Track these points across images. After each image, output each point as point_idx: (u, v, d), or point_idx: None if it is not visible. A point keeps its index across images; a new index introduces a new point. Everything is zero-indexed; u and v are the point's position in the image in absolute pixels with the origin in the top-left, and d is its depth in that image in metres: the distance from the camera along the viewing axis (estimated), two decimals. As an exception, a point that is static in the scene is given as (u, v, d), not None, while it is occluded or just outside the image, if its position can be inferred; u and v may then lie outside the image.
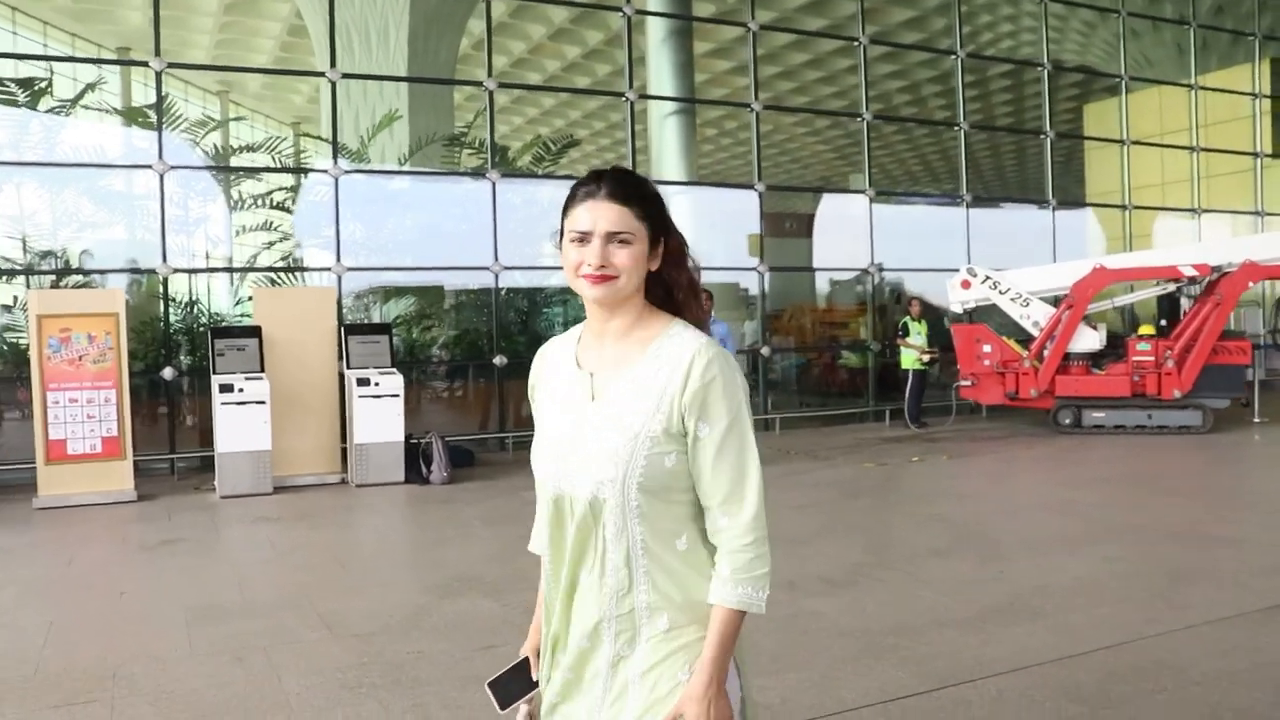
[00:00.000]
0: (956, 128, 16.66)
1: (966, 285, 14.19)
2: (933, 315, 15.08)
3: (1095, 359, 13.60)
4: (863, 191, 15.77)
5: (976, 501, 9.14)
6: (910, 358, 14.50)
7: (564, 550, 2.01)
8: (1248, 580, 6.32)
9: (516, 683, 2.20)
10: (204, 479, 10.58)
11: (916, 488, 9.99)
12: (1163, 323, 14.19)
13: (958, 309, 14.46)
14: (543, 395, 2.10)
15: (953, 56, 16.68)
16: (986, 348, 13.73)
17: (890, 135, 20.32)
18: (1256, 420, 14.00)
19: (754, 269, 15.06)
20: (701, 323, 2.04)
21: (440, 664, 4.87)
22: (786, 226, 17.24)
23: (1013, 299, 14.03)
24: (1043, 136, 17.58)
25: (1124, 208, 18.40)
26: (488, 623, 5.60)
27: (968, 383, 13.98)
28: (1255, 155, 19.87)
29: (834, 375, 17.14)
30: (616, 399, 1.95)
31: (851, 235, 15.79)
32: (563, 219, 2.00)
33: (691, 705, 1.87)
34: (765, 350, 15.16)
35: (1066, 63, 18.57)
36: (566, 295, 15.23)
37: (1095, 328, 13.64)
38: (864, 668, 4.77)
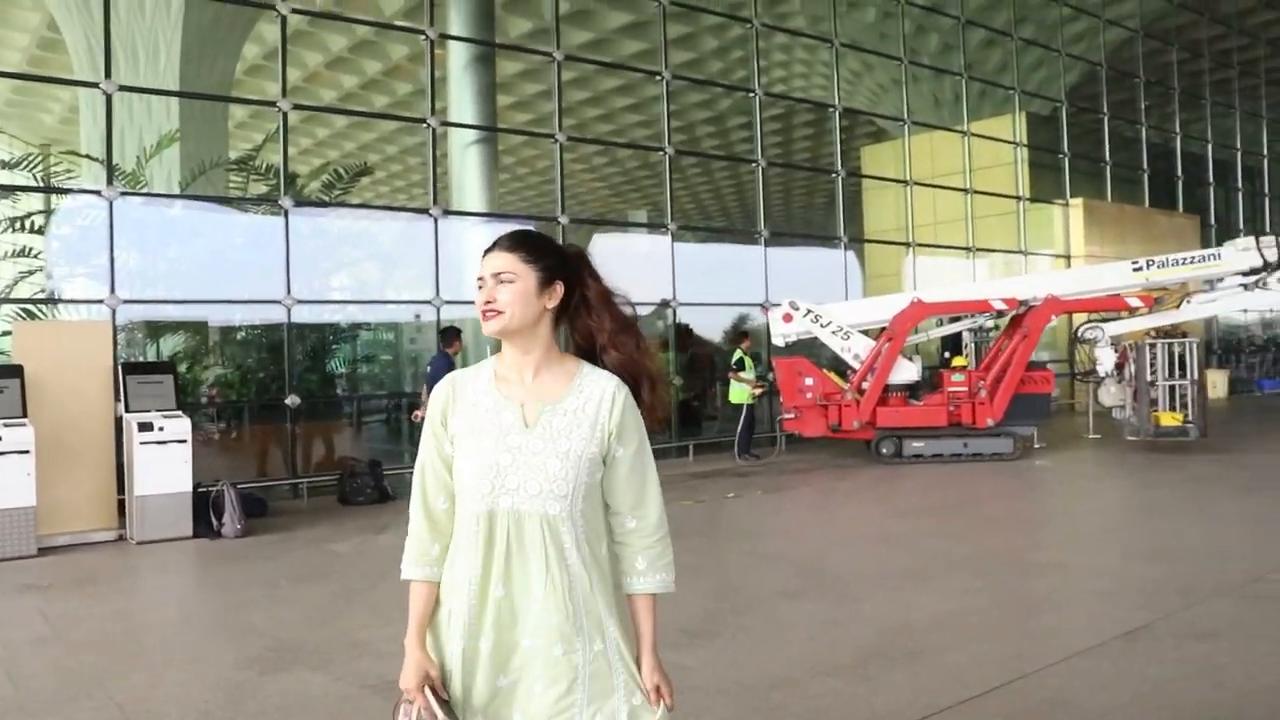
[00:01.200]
0: (755, 164, 16.82)
1: (788, 319, 14.30)
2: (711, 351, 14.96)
3: (912, 390, 13.92)
4: (664, 226, 15.65)
5: (806, 537, 9.02)
6: (743, 392, 14.47)
7: (495, 566, 2.24)
8: (1091, 606, 6.40)
9: (445, 708, 2.27)
10: (-50, 541, 9.19)
11: (742, 525, 9.78)
12: (945, 354, 14.68)
13: (780, 341, 14.54)
14: (461, 426, 2.30)
15: (750, 94, 16.85)
16: (808, 380, 13.85)
17: (691, 170, 20.39)
18: (1037, 446, 14.62)
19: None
20: (635, 359, 2.37)
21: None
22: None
23: (834, 332, 14.24)
24: (835, 175, 18.04)
25: (908, 245, 19.11)
26: (323, 703, 4.90)
27: (790, 415, 14.03)
28: (1018, 199, 21.15)
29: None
30: (552, 427, 2.25)
31: (651, 268, 15.63)
32: None
33: (655, 675, 2.31)
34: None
35: (850, 105, 19.11)
36: (357, 331, 14.45)
37: (911, 359, 14.04)
38: (756, 730, 4.39)
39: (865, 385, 13.76)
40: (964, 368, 13.90)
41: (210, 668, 5.48)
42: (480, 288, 2.29)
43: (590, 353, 2.37)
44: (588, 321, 2.35)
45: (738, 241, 18.42)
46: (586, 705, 2.25)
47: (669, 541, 2.36)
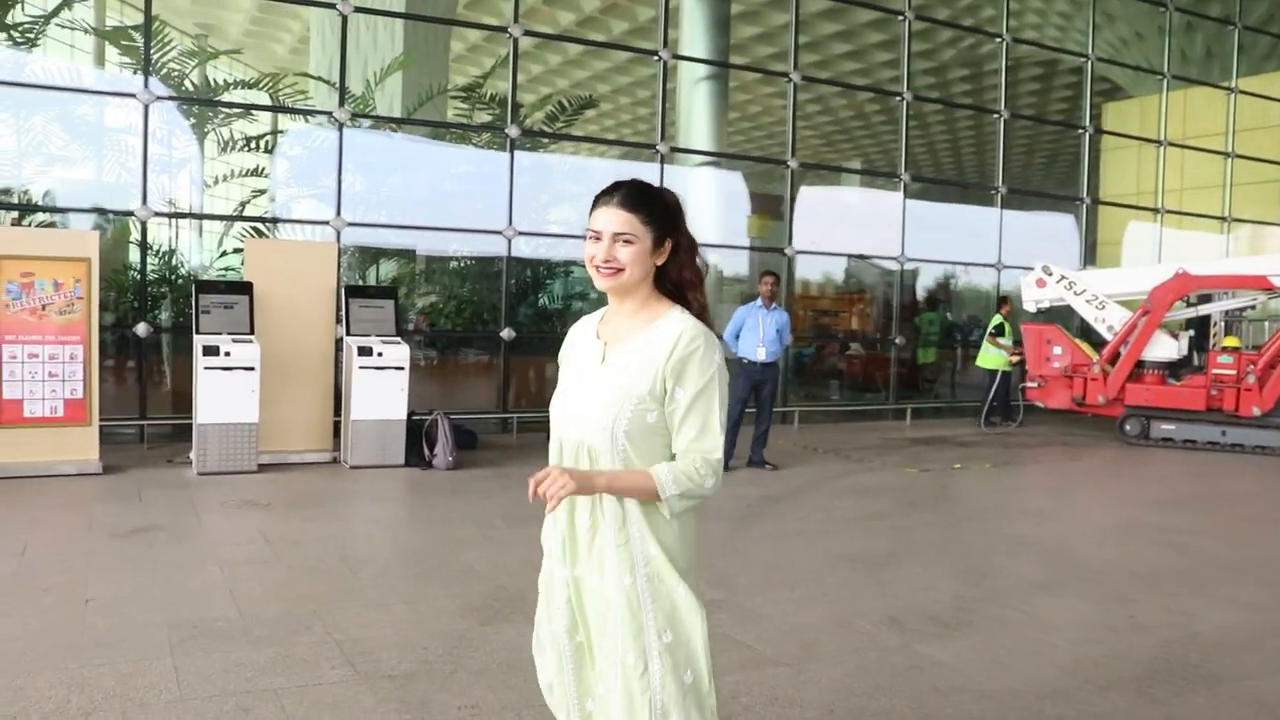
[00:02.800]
0: (996, 115, 15.64)
1: (1041, 284, 13.58)
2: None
3: (1173, 369, 12.78)
4: (897, 176, 14.74)
5: (1049, 521, 8.16)
6: (999, 358, 14.00)
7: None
8: None
9: None
10: (178, 450, 9.40)
11: (976, 501, 9.00)
12: (1190, 333, 13.32)
13: (1031, 308, 13.84)
14: (568, 361, 2.48)
15: (997, 39, 15.62)
16: (1057, 349, 13.16)
17: (928, 118, 19.13)
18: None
19: (781, 250, 14.03)
20: (704, 309, 2.39)
21: (505, 726, 3.80)
22: (779, 209, 16.18)
23: (1088, 301, 13.35)
24: (1081, 132, 16.65)
25: (1156, 210, 17.53)
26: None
27: (1034, 384, 13.40)
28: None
29: (854, 369, 16.11)
30: (618, 363, 2.33)
31: (884, 223, 14.79)
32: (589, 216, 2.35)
33: (579, 473, 2.22)
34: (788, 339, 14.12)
35: (1099, 57, 17.52)
36: (570, 268, 14.18)
37: (1176, 336, 12.81)
38: (1041, 753, 3.76)
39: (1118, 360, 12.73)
40: (1235, 349, 12.49)
41: (429, 611, 5.21)
42: (594, 239, 2.32)
43: (675, 297, 2.40)
44: (678, 269, 2.38)
45: (970, 199, 17.21)
46: (629, 641, 2.30)
47: (704, 491, 2.29)
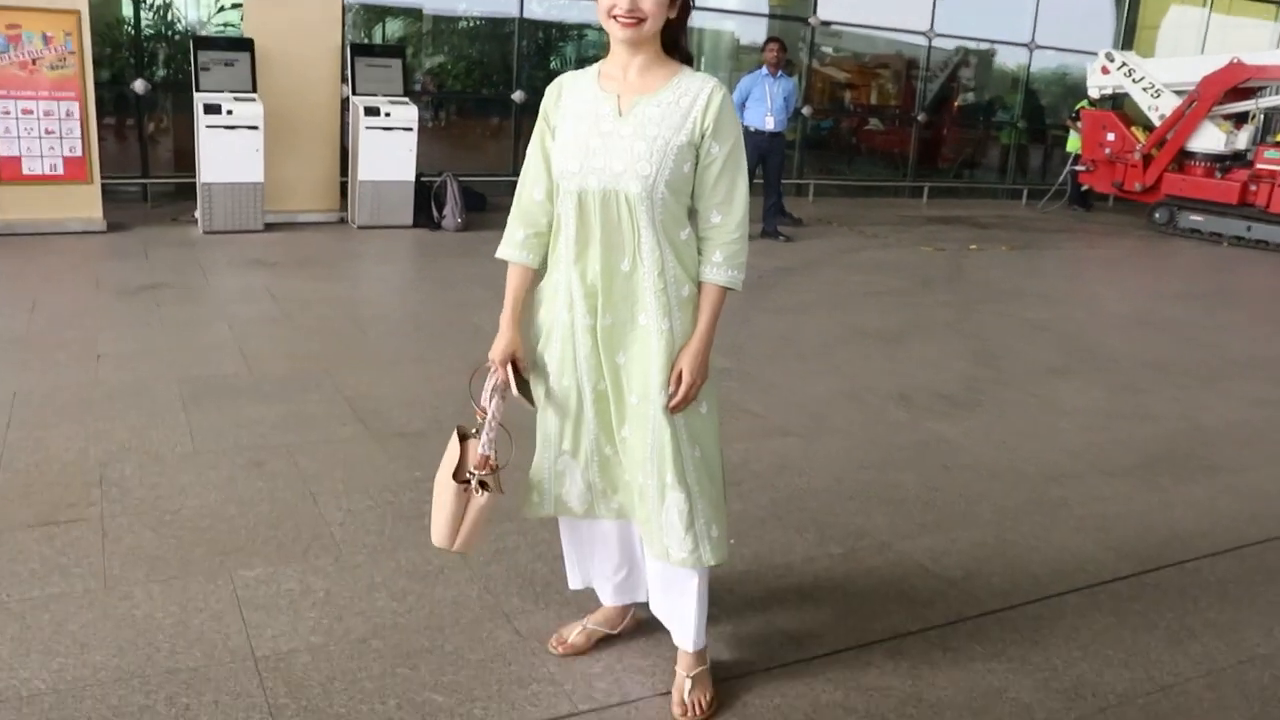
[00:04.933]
0: None
1: (1105, 71, 13.32)
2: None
3: (1224, 163, 12.44)
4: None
5: (1066, 306, 8.09)
6: (1076, 141, 14.04)
7: (585, 246, 2.37)
8: None
9: (520, 383, 2.52)
10: (181, 209, 9.26)
11: (992, 283, 8.90)
12: (1253, 127, 12.90)
13: (1095, 94, 13.70)
14: (565, 113, 2.41)
15: None
16: (1110, 135, 13.10)
17: None
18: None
19: (804, 20, 13.41)
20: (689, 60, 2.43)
21: (515, 485, 3.83)
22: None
23: (1145, 88, 13.03)
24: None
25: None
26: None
27: (1086, 168, 13.54)
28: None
29: (873, 143, 15.70)
30: (645, 115, 2.31)
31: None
32: None
33: (688, 359, 2.36)
34: (806, 110, 13.70)
35: None
36: (585, 31, 13.58)
37: (1235, 130, 12.41)
38: (1041, 528, 3.82)
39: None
40: None
41: (437, 370, 5.23)
42: None
43: (671, 52, 2.41)
44: (679, 27, 2.39)
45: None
46: (662, 380, 2.37)
47: (747, 244, 2.41)
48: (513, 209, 2.52)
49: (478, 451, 2.52)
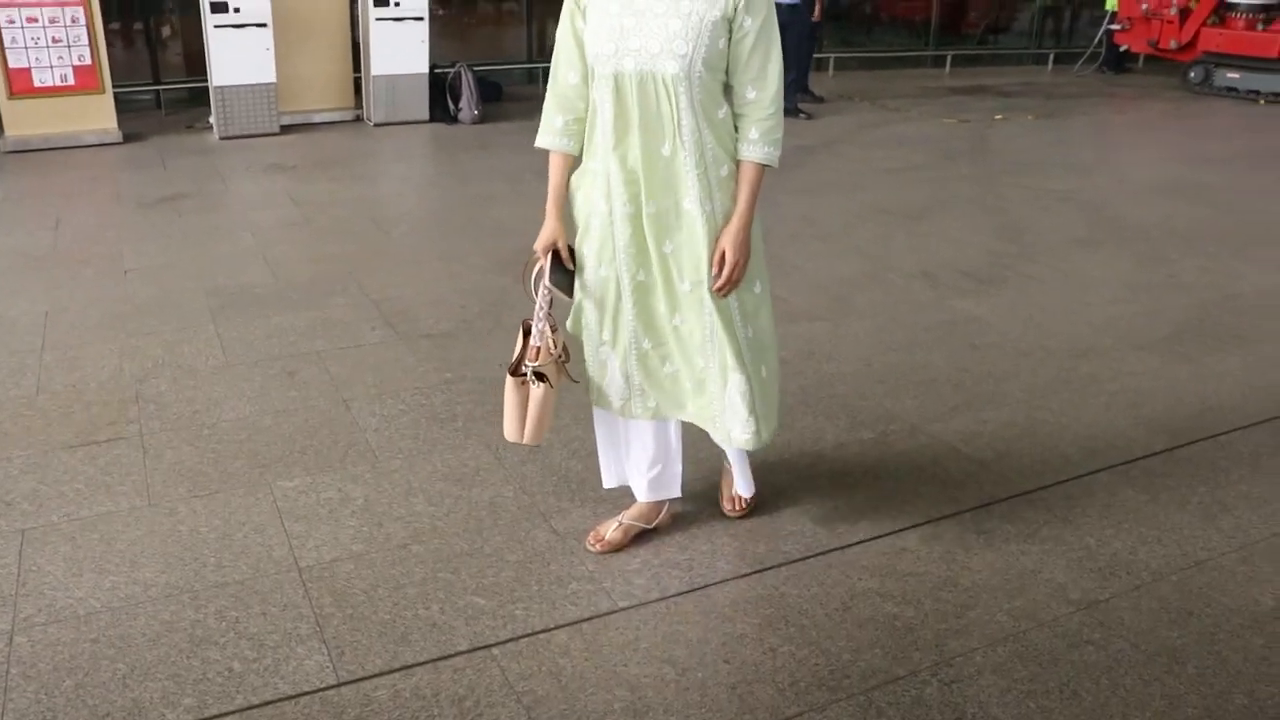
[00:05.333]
0: None
1: None
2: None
3: (1268, 13, 11.97)
4: None
5: (1093, 176, 7.92)
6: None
7: (626, 129, 2.36)
8: None
9: (561, 273, 2.50)
10: (196, 115, 9.17)
11: (1017, 154, 8.72)
12: None
13: None
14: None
15: None
16: None
17: None
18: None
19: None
20: None
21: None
22: None
23: None
24: None
25: None
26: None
27: (1120, 26, 13.09)
28: None
29: (892, 9, 15.24)
30: None
31: None
32: None
33: (730, 240, 2.40)
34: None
35: None
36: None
37: None
38: (1071, 405, 3.82)
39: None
40: None
41: (463, 270, 5.22)
42: None
43: None
44: None
45: None
46: (708, 259, 2.42)
47: (782, 119, 2.41)
48: (547, 95, 2.49)
49: (531, 344, 2.53)
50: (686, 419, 2.68)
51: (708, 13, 2.27)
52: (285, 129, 8.63)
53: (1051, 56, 15.17)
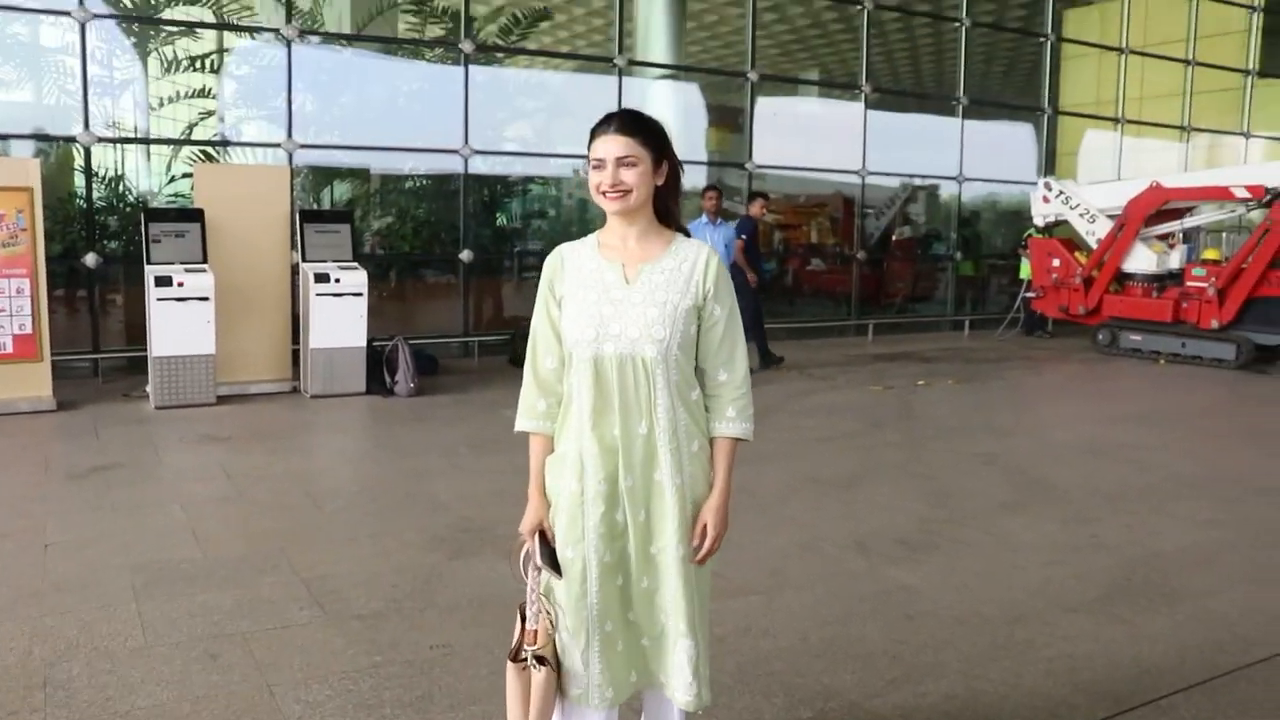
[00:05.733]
0: (958, 24, 15.44)
1: (1045, 199, 14.03)
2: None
3: (1161, 282, 13.04)
4: (858, 88, 14.56)
5: (1014, 439, 8.22)
6: (1026, 268, 14.69)
7: (603, 410, 2.46)
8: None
9: (549, 553, 2.51)
10: (133, 384, 9.22)
11: (940, 419, 9.03)
12: (1186, 246, 13.70)
13: (1039, 221, 14.31)
14: (569, 288, 2.52)
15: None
16: (1055, 261, 13.77)
17: (887, 28, 18.78)
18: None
19: (741, 165, 13.86)
20: (683, 229, 2.61)
21: (477, 665, 3.77)
22: (738, 121, 15.94)
23: (1081, 214, 13.73)
24: (1043, 40, 16.48)
25: (1116, 120, 17.48)
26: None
27: (1035, 294, 14.15)
28: (1246, 73, 18.93)
29: (815, 282, 16.08)
30: (652, 282, 2.47)
31: (845, 135, 14.65)
32: (588, 151, 2.48)
33: (711, 514, 2.53)
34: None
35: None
36: (529, 186, 13.91)
37: (1169, 249, 13.12)
38: (1010, 674, 3.80)
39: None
40: (1214, 261, 12.77)
41: (396, 546, 5.17)
42: (598, 168, 2.45)
43: (664, 222, 2.57)
44: (670, 194, 2.55)
45: (930, 109, 17.03)
46: (683, 534, 2.48)
47: (751, 395, 2.59)
48: (526, 382, 2.60)
49: (528, 627, 2.53)
50: (635, 689, 2.61)
51: (680, 301, 2.45)
52: (222, 399, 8.68)
53: (968, 322, 15.99)
